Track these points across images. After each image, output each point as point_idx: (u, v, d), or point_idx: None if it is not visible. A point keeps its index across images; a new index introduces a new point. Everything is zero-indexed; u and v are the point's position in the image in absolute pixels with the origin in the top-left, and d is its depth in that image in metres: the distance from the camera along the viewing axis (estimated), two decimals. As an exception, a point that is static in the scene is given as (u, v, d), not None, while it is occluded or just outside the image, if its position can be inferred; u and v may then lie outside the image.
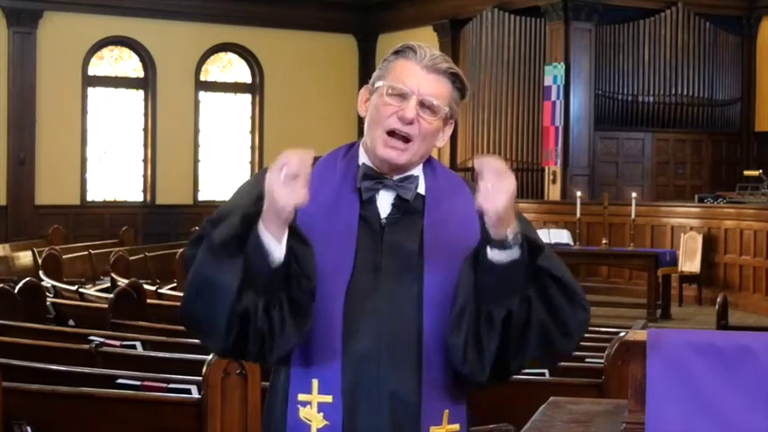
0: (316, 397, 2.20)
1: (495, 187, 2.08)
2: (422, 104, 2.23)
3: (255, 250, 2.09)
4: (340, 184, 2.27)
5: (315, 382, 2.20)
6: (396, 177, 2.26)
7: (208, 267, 2.12)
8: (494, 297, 2.15)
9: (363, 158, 2.29)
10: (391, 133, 2.23)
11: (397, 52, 2.28)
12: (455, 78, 2.28)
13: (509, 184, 2.10)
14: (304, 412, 2.21)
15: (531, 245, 2.16)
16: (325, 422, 2.19)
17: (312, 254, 2.14)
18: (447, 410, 2.23)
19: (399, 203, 2.26)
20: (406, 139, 2.23)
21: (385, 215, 2.26)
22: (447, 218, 2.26)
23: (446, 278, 2.21)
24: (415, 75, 2.23)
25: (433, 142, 2.28)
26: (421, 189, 2.29)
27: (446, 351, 2.19)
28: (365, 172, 2.26)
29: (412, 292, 2.21)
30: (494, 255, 2.13)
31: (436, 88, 2.24)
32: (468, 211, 2.22)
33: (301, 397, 2.21)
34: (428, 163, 2.34)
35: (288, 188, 2.04)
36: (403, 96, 2.23)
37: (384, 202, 2.26)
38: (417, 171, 2.30)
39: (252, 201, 2.16)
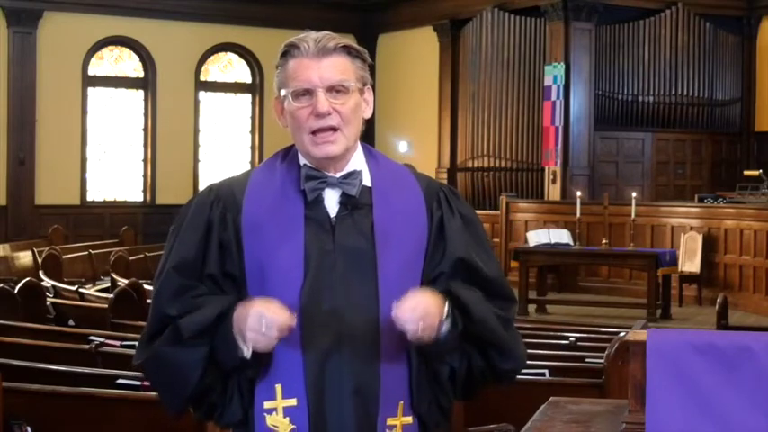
0: (280, 402, 2.20)
1: (424, 326, 2.14)
2: (330, 90, 2.21)
3: (225, 346, 2.16)
4: (282, 186, 2.26)
5: (278, 388, 2.20)
6: (339, 174, 2.26)
7: (174, 354, 2.18)
8: (435, 358, 2.25)
9: (303, 160, 2.28)
10: (315, 132, 2.22)
11: (284, 54, 2.26)
12: (349, 49, 2.26)
13: (431, 316, 2.15)
14: (271, 419, 2.21)
15: (461, 310, 2.22)
16: (292, 426, 2.20)
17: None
18: (402, 402, 2.24)
19: (346, 200, 2.25)
20: (332, 129, 2.22)
21: (334, 214, 2.25)
22: (395, 209, 2.26)
23: (400, 270, 2.22)
24: (309, 68, 2.21)
25: (359, 119, 2.27)
26: (366, 182, 2.28)
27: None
28: (307, 173, 2.25)
29: (367, 288, 2.21)
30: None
31: (335, 69, 2.22)
32: (415, 199, 2.26)
33: (267, 404, 2.21)
34: (370, 155, 2.33)
35: (262, 339, 2.12)
36: (309, 93, 2.21)
37: (331, 200, 2.26)
38: (360, 165, 2.29)
39: (205, 239, 2.23)
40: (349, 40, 2.27)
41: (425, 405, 2.26)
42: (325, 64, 2.21)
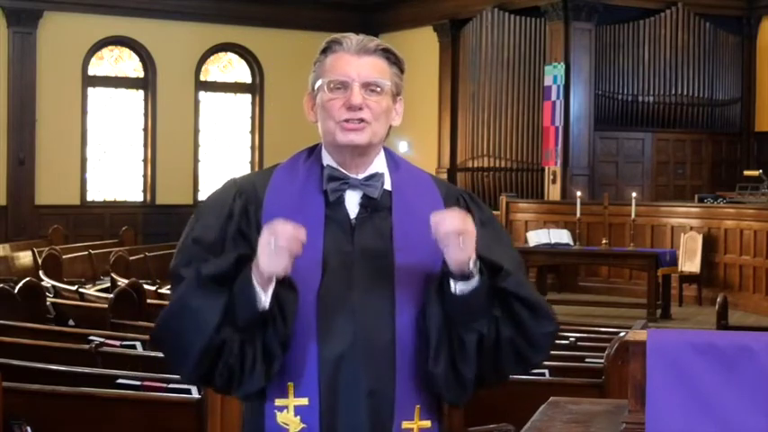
0: (292, 400, 2.20)
1: (464, 240, 2.11)
2: (365, 87, 2.24)
3: (243, 293, 2.13)
4: (303, 186, 2.28)
5: (290, 386, 2.20)
6: (361, 176, 2.27)
7: (192, 298, 2.15)
8: (463, 323, 2.20)
9: (327, 160, 2.29)
10: (345, 123, 2.24)
11: (324, 50, 2.29)
12: (388, 54, 2.30)
13: (471, 228, 2.12)
14: (281, 417, 2.21)
15: (491, 268, 2.19)
16: (303, 425, 2.19)
17: (296, 300, 2.16)
18: (418, 405, 2.24)
19: (367, 202, 2.27)
20: (361, 121, 2.24)
21: (354, 215, 2.26)
22: (414, 213, 2.27)
23: (417, 273, 2.22)
24: (349, 63, 2.25)
25: (388, 122, 2.30)
26: (387, 185, 2.30)
27: (429, 377, 2.21)
28: (330, 174, 2.26)
29: (385, 290, 2.22)
30: (457, 287, 2.17)
31: (373, 68, 2.26)
32: (434, 204, 2.27)
33: (278, 402, 2.21)
34: (391, 159, 2.35)
35: (273, 256, 2.08)
36: (345, 86, 2.24)
37: (352, 202, 2.27)
38: (382, 168, 2.31)
39: (226, 224, 2.22)
40: (390, 46, 2.30)
41: (441, 365, 2.19)
42: (364, 61, 2.25)
